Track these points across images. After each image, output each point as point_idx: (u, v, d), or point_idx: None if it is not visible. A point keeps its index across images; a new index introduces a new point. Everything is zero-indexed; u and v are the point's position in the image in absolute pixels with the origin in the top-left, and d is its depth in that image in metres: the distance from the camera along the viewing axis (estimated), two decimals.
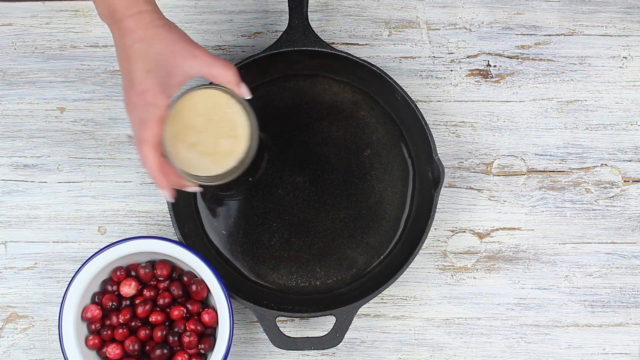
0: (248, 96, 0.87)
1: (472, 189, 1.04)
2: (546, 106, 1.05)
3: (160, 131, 0.83)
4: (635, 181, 1.04)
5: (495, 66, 1.06)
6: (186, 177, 0.87)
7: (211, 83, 0.87)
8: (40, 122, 1.05)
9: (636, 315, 1.03)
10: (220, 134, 0.87)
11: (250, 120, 0.86)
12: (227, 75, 0.85)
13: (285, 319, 1.02)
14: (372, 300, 1.00)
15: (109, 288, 0.96)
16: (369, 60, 0.99)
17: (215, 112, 0.87)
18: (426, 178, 0.99)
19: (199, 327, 0.95)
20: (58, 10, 1.06)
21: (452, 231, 1.04)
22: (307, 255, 1.02)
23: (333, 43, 1.05)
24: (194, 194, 1.02)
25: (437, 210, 0.97)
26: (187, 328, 0.94)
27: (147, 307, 0.94)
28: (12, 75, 1.05)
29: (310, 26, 0.99)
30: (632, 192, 1.04)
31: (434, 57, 1.06)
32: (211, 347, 0.95)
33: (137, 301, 0.95)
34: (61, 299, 0.94)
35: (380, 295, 1.02)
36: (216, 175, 0.86)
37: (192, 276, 0.97)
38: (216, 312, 0.95)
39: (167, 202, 0.96)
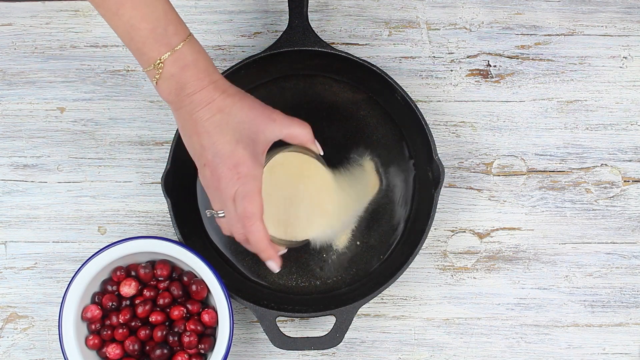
0: (321, 152, 0.89)
1: (472, 189, 1.04)
2: (546, 106, 1.05)
3: (262, 203, 0.82)
4: (635, 181, 1.04)
5: (495, 66, 1.06)
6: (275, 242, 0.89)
7: (285, 144, 0.88)
8: (40, 122, 1.05)
9: (636, 315, 1.03)
10: (309, 203, 0.91)
11: (338, 189, 0.92)
12: (305, 134, 0.87)
13: (285, 319, 1.02)
14: (372, 300, 1.00)
15: (109, 288, 0.96)
16: (369, 60, 0.99)
17: (302, 178, 0.91)
18: (426, 178, 0.99)
19: (199, 327, 0.95)
20: (58, 10, 1.06)
21: (452, 231, 1.04)
22: (307, 255, 1.02)
23: (333, 43, 1.05)
24: (194, 193, 1.02)
25: (437, 210, 0.97)
26: (187, 328, 0.94)
27: (147, 307, 0.94)
28: (12, 75, 1.05)
29: (310, 26, 0.99)
30: (632, 192, 1.04)
31: (434, 57, 1.06)
32: (211, 347, 0.95)
33: (137, 301, 0.95)
34: (61, 299, 0.94)
35: (380, 295, 1.02)
36: (302, 241, 0.93)
37: (192, 276, 0.97)
38: (216, 312, 0.95)
39: (167, 202, 0.96)
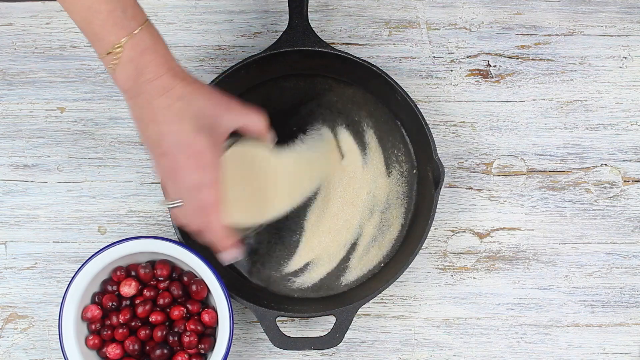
0: (274, 140, 0.89)
1: (472, 189, 1.04)
2: (546, 106, 1.05)
3: (221, 193, 0.81)
4: (635, 181, 1.04)
5: (495, 66, 1.06)
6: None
7: (235, 134, 0.87)
8: (40, 122, 1.05)
9: (636, 315, 1.03)
10: (262, 188, 0.90)
11: (289, 172, 0.91)
12: (260, 123, 0.86)
13: (285, 319, 1.02)
14: (372, 300, 1.00)
15: (109, 288, 0.96)
16: (369, 60, 0.99)
17: (254, 168, 0.89)
18: (426, 178, 0.99)
19: (199, 327, 0.95)
20: (58, 10, 1.06)
21: (452, 231, 1.04)
22: (307, 255, 1.02)
23: (333, 43, 1.05)
24: None
25: (437, 210, 0.97)
26: (187, 328, 0.94)
27: (147, 307, 0.94)
28: (12, 75, 1.05)
29: (310, 26, 0.99)
30: (632, 192, 1.04)
31: (434, 57, 1.06)
32: (211, 347, 0.95)
33: (137, 301, 0.95)
34: (61, 299, 0.94)
35: (380, 295, 1.02)
36: (258, 226, 0.93)
37: (192, 276, 0.97)
38: (216, 312, 0.95)
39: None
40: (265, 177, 0.91)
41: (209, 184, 0.81)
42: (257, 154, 0.90)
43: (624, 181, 1.04)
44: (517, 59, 1.06)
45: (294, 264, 1.02)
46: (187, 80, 0.80)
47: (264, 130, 0.87)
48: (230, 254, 0.87)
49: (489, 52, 1.06)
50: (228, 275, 1.01)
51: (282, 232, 1.02)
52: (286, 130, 1.03)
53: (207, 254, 1.01)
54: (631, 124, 1.05)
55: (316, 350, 0.99)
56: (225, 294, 0.93)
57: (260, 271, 1.02)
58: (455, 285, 1.03)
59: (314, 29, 1.01)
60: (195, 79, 0.82)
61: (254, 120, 0.86)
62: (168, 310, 0.95)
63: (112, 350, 0.94)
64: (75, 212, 1.04)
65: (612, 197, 1.04)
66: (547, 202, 1.04)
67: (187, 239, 0.97)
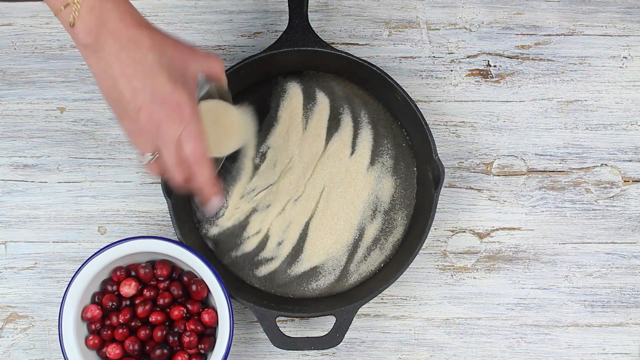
0: (225, 84, 0.89)
1: (472, 189, 1.04)
2: (546, 106, 1.05)
3: (205, 144, 0.80)
4: (635, 181, 1.04)
5: (495, 66, 1.06)
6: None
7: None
8: (40, 122, 1.05)
9: (636, 315, 1.03)
10: (228, 130, 0.93)
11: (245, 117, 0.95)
12: (220, 66, 0.85)
13: (285, 319, 1.02)
14: (372, 300, 1.00)
15: (109, 288, 0.96)
16: (369, 60, 0.99)
17: (219, 116, 0.92)
18: (426, 178, 0.99)
19: (199, 327, 0.95)
20: None
21: (452, 231, 1.04)
22: (308, 256, 1.02)
23: (333, 43, 1.05)
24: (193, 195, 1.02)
25: (437, 210, 0.97)
26: (187, 328, 0.94)
27: (147, 307, 0.94)
28: (12, 75, 1.05)
29: (310, 26, 0.99)
30: (632, 192, 1.04)
31: (434, 57, 1.06)
32: (211, 347, 0.95)
33: (137, 301, 0.95)
34: (61, 299, 0.94)
35: (380, 295, 1.02)
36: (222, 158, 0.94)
37: (192, 276, 0.97)
38: (216, 312, 0.95)
39: (167, 202, 0.96)
40: (224, 122, 0.92)
41: (194, 136, 0.79)
42: (219, 105, 0.92)
43: (624, 181, 1.04)
44: (517, 59, 1.06)
45: (295, 264, 1.02)
46: (152, 30, 0.77)
47: (222, 73, 0.86)
48: (216, 201, 0.86)
49: (489, 52, 1.06)
50: (228, 276, 1.01)
51: (283, 232, 1.02)
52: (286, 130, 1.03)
53: (207, 254, 1.01)
54: (631, 124, 1.05)
55: (316, 350, 0.99)
56: (225, 294, 0.93)
57: (261, 272, 1.02)
58: (455, 285, 1.03)
59: (314, 29, 1.01)
60: (159, 28, 0.79)
61: (214, 64, 0.84)
62: (168, 310, 0.95)
63: (112, 350, 0.94)
64: (75, 212, 1.04)
65: (612, 197, 1.04)
66: (547, 202, 1.04)
67: (187, 239, 0.97)
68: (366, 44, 1.06)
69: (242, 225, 1.02)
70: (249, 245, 1.02)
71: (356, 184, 1.02)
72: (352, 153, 1.03)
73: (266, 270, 1.02)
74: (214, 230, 1.02)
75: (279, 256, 1.02)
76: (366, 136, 1.03)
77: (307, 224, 1.02)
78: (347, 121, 1.04)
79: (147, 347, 0.95)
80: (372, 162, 1.03)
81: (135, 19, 0.77)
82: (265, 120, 1.03)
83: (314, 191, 1.02)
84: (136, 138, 0.80)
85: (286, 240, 1.02)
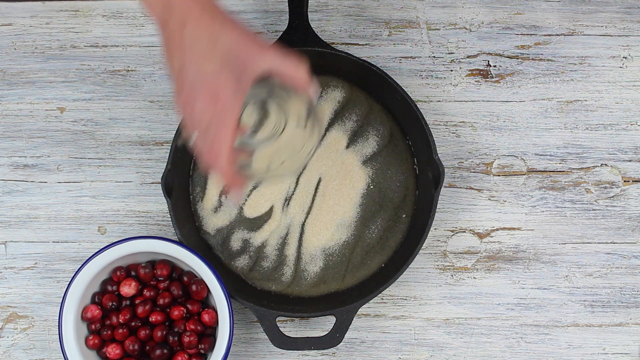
0: (316, 99, 0.82)
1: (472, 189, 1.04)
2: (546, 106, 1.05)
3: (234, 136, 0.76)
4: (635, 181, 1.04)
5: (495, 66, 1.06)
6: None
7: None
8: (40, 122, 1.05)
9: (636, 315, 1.03)
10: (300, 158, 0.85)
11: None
12: (300, 74, 0.79)
13: (285, 319, 1.02)
14: (372, 300, 1.00)
15: (109, 288, 0.96)
16: (369, 60, 0.99)
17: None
18: (426, 178, 0.99)
19: (199, 327, 0.95)
20: (58, 10, 1.06)
21: (452, 231, 1.04)
22: (308, 256, 1.02)
23: (333, 43, 1.05)
24: (193, 195, 1.02)
25: (437, 210, 0.97)
26: (187, 328, 0.94)
27: (147, 307, 0.94)
28: (12, 75, 1.05)
29: (310, 26, 0.99)
30: (632, 192, 1.04)
31: (434, 57, 1.06)
32: (211, 347, 0.95)
33: (137, 301, 0.95)
34: (61, 299, 0.94)
35: (380, 295, 1.02)
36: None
37: (192, 276, 0.97)
38: (216, 312, 0.95)
39: (167, 202, 0.96)
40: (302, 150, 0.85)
41: (222, 124, 0.76)
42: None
43: (624, 181, 1.04)
44: (517, 59, 1.06)
45: (295, 264, 1.02)
46: (220, 15, 0.76)
47: (305, 81, 0.79)
48: (234, 195, 0.82)
49: (489, 52, 1.06)
50: (228, 276, 1.01)
51: (283, 232, 1.02)
52: None
53: (207, 254, 1.01)
54: (631, 124, 1.05)
55: (316, 350, 0.99)
56: (225, 294, 0.93)
57: (260, 272, 1.02)
58: (455, 285, 1.03)
59: (314, 29, 1.01)
60: (231, 16, 0.77)
61: (290, 66, 0.78)
62: (168, 310, 0.95)
63: (112, 350, 0.94)
64: (75, 212, 1.04)
65: (612, 197, 1.04)
66: (547, 202, 1.04)
67: (187, 239, 0.97)
68: (366, 44, 1.06)
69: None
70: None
71: (353, 182, 1.02)
72: (348, 149, 1.03)
73: (266, 270, 1.02)
74: (213, 231, 1.02)
75: (278, 256, 1.02)
76: (365, 136, 1.03)
77: (303, 224, 1.02)
78: (346, 121, 1.03)
79: (147, 347, 0.95)
80: (371, 162, 1.03)
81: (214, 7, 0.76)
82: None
83: (309, 185, 1.02)
84: (181, 111, 0.79)
85: (286, 240, 1.02)
